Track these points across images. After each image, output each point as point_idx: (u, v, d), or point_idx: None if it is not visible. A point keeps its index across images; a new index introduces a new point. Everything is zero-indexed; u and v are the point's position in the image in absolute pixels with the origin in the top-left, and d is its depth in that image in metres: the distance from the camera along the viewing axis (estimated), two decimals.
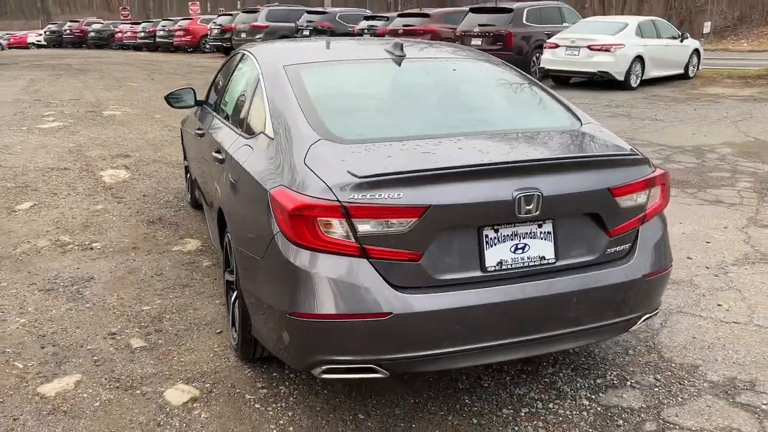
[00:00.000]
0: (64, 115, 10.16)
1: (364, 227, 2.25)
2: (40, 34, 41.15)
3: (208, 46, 26.95)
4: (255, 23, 22.95)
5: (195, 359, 3.14)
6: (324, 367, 2.37)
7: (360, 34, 19.92)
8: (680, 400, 2.78)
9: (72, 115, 10.19)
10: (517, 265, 2.43)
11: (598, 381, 2.93)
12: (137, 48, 32.43)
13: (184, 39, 28.91)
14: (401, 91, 3.32)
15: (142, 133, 8.81)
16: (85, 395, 2.83)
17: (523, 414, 2.70)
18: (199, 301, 3.77)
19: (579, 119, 3.00)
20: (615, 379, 2.95)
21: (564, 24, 15.55)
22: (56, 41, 39.69)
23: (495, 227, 2.39)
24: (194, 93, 4.57)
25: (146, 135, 8.73)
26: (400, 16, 18.85)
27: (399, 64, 3.32)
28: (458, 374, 2.97)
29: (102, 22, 39.63)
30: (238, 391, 2.87)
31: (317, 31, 21.31)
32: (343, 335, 2.31)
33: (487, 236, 2.39)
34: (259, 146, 2.86)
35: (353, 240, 2.26)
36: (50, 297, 3.83)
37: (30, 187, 6.15)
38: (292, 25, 22.32)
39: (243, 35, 23.34)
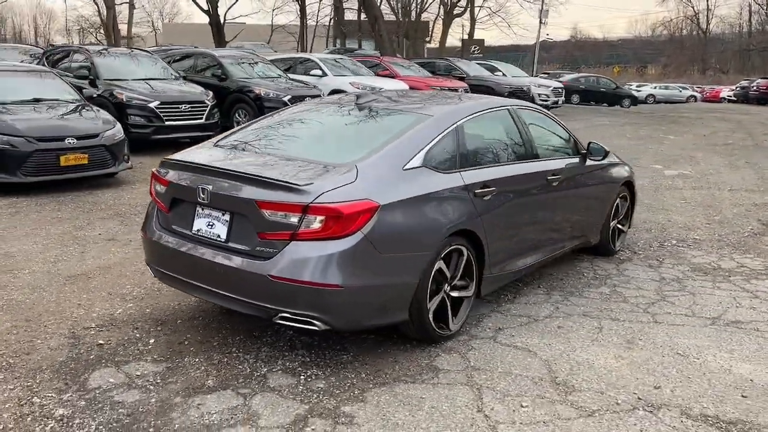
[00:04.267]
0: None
1: (157, 187, 3.71)
2: (732, 90, 42.26)
3: None
4: None
5: None
6: (145, 263, 3.92)
7: None
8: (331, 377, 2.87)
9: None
10: (206, 235, 3.43)
11: (310, 375, 3.18)
12: None
13: None
14: (310, 124, 4.22)
15: None
16: None
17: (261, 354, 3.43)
18: None
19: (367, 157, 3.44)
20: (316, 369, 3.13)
21: None
22: (743, 96, 40.08)
23: (202, 206, 3.44)
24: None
25: None
26: None
27: (353, 107, 4.31)
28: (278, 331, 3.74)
29: None
30: None
31: None
32: (144, 246, 3.86)
33: (197, 211, 3.50)
34: None
35: (155, 195, 3.73)
36: None
37: None
38: None
39: None
